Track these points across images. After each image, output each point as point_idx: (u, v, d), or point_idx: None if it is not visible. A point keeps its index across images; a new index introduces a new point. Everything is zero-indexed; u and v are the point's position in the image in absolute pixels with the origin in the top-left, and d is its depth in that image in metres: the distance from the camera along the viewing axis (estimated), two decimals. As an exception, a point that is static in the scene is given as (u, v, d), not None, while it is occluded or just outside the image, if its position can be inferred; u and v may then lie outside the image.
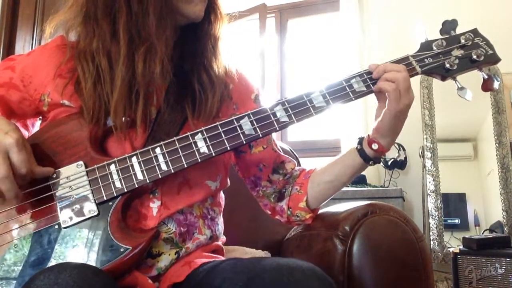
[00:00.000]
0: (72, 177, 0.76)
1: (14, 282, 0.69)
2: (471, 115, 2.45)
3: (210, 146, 0.78)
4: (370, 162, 0.88)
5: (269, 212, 1.03)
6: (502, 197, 2.23)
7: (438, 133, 2.37)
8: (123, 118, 0.78)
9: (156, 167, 0.76)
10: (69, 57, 0.84)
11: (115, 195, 0.75)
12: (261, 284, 0.64)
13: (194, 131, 0.78)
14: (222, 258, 0.87)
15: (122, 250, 0.71)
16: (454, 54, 0.88)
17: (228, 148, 0.78)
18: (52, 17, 0.86)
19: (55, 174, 0.76)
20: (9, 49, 2.51)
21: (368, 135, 0.89)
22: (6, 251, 0.72)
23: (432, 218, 2.26)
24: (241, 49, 3.07)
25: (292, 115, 0.81)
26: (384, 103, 0.85)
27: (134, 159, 0.77)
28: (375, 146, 0.86)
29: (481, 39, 0.89)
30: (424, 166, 2.35)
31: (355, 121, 2.64)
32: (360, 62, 2.69)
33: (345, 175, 0.92)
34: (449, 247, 2.18)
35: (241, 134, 0.79)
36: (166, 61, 0.82)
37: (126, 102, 0.78)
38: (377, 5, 2.85)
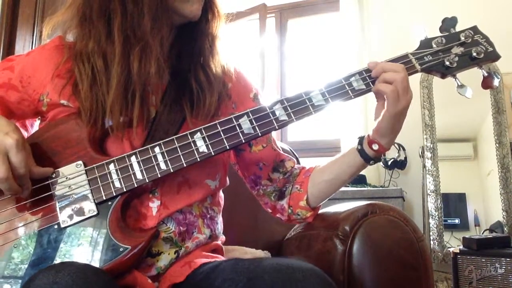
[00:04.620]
0: (71, 176, 0.76)
1: (20, 281, 0.69)
2: (471, 115, 2.45)
3: (209, 145, 0.78)
4: (371, 162, 0.89)
5: (270, 211, 1.03)
6: (502, 197, 2.22)
7: (438, 133, 2.37)
8: (121, 119, 0.78)
9: (155, 166, 0.76)
10: (67, 57, 0.84)
11: (114, 194, 0.75)
12: (262, 285, 0.64)
13: (193, 130, 0.78)
14: (222, 258, 0.87)
15: (121, 249, 0.71)
16: (454, 51, 0.87)
17: (228, 147, 0.78)
18: (50, 18, 0.86)
19: (54, 174, 0.76)
20: (9, 49, 2.51)
21: (368, 135, 0.89)
22: (13, 250, 0.72)
23: (432, 218, 2.26)
24: (241, 49, 3.07)
25: (291, 114, 0.81)
26: (383, 102, 0.85)
27: (133, 158, 0.76)
28: (375, 147, 0.87)
29: (481, 37, 0.89)
30: (424, 166, 2.35)
31: (355, 121, 2.64)
32: (360, 62, 2.68)
33: (345, 174, 0.93)
34: (449, 247, 2.18)
35: (240, 133, 0.79)
36: (162, 61, 0.81)
37: (122, 102, 0.78)
38: (377, 5, 2.85)
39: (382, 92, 0.82)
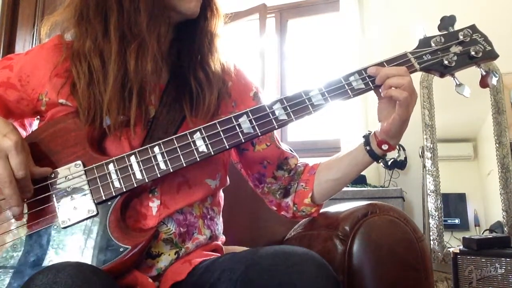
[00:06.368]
0: (71, 176, 0.75)
1: (12, 271, 0.69)
2: (471, 115, 2.45)
3: (209, 145, 0.78)
4: (380, 160, 0.91)
5: (275, 208, 1.03)
6: (502, 197, 2.22)
7: (438, 133, 2.37)
8: (120, 118, 0.78)
9: (155, 166, 0.76)
10: (65, 56, 0.83)
11: (114, 194, 0.75)
12: (259, 271, 0.64)
13: (192, 130, 0.78)
14: (222, 256, 0.87)
15: (121, 249, 0.71)
16: (453, 50, 0.87)
17: (227, 147, 0.78)
18: (47, 17, 0.86)
19: (53, 174, 0.75)
20: (9, 49, 2.51)
21: (375, 134, 0.89)
22: (11, 250, 0.71)
23: (432, 218, 2.26)
24: (241, 49, 3.07)
25: (291, 113, 0.81)
26: (386, 102, 0.86)
27: (132, 158, 0.76)
28: (385, 147, 0.88)
29: (479, 35, 0.89)
30: (424, 166, 2.35)
31: (355, 121, 2.64)
32: (360, 62, 2.68)
33: (352, 173, 0.94)
34: (449, 247, 2.18)
35: (239, 133, 0.79)
36: (159, 58, 0.81)
37: (119, 100, 0.78)
38: (377, 5, 2.85)
39: (395, 98, 0.82)
